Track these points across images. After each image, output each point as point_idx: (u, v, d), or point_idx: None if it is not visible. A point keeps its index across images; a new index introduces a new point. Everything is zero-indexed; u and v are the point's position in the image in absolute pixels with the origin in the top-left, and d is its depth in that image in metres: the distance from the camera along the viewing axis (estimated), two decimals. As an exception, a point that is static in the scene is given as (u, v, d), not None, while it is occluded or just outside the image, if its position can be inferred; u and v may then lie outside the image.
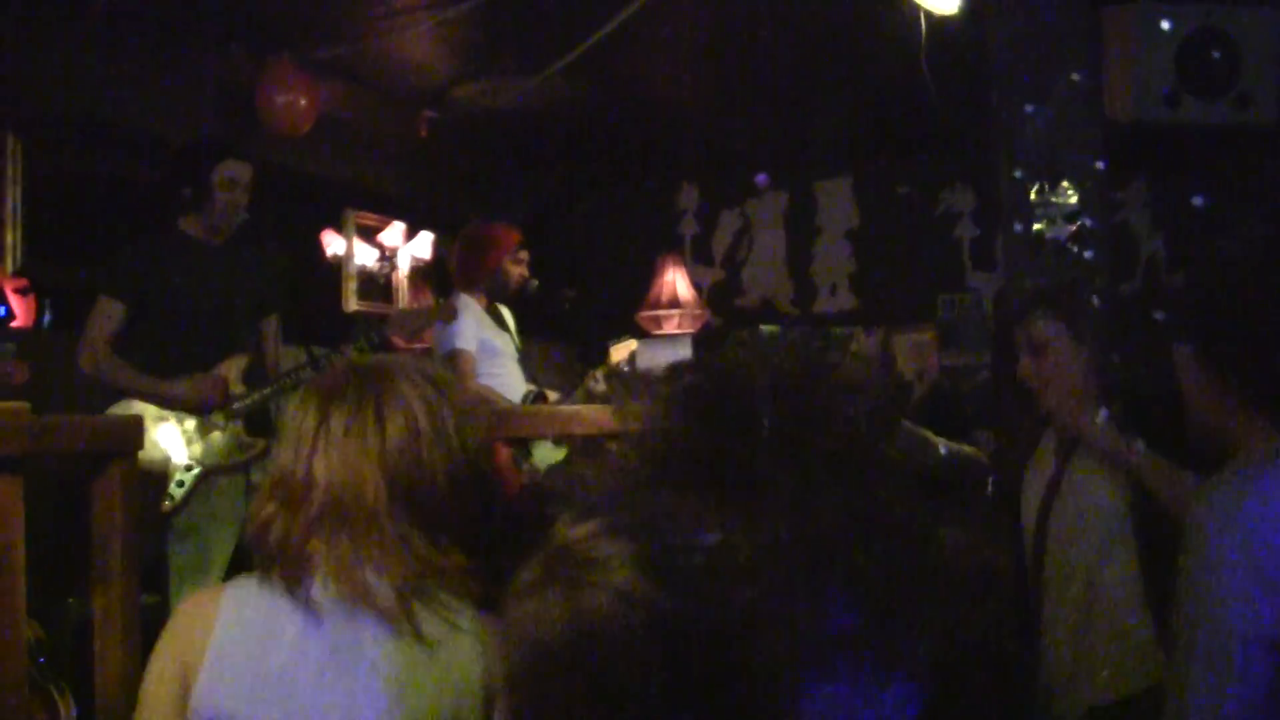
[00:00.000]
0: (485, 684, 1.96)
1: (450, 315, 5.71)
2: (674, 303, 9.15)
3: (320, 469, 1.95)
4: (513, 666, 1.01)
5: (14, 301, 7.51)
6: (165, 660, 2.01)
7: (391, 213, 8.89)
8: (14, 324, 7.40)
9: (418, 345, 8.54)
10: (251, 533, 2.01)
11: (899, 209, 9.43)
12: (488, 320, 5.95)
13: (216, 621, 1.96)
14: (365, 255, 8.75)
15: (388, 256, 8.87)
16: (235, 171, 4.84)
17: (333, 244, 8.64)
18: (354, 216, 8.74)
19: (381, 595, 1.92)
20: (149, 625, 3.51)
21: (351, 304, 8.65)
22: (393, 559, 1.94)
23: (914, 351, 8.86)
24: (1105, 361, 3.35)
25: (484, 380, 5.81)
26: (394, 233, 8.85)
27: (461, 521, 2.01)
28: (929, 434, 4.44)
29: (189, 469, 4.67)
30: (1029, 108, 5.05)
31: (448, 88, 7.86)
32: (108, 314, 4.74)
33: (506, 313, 6.16)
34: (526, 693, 0.99)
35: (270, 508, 1.98)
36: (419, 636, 1.92)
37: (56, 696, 4.91)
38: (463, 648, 1.96)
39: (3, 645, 2.12)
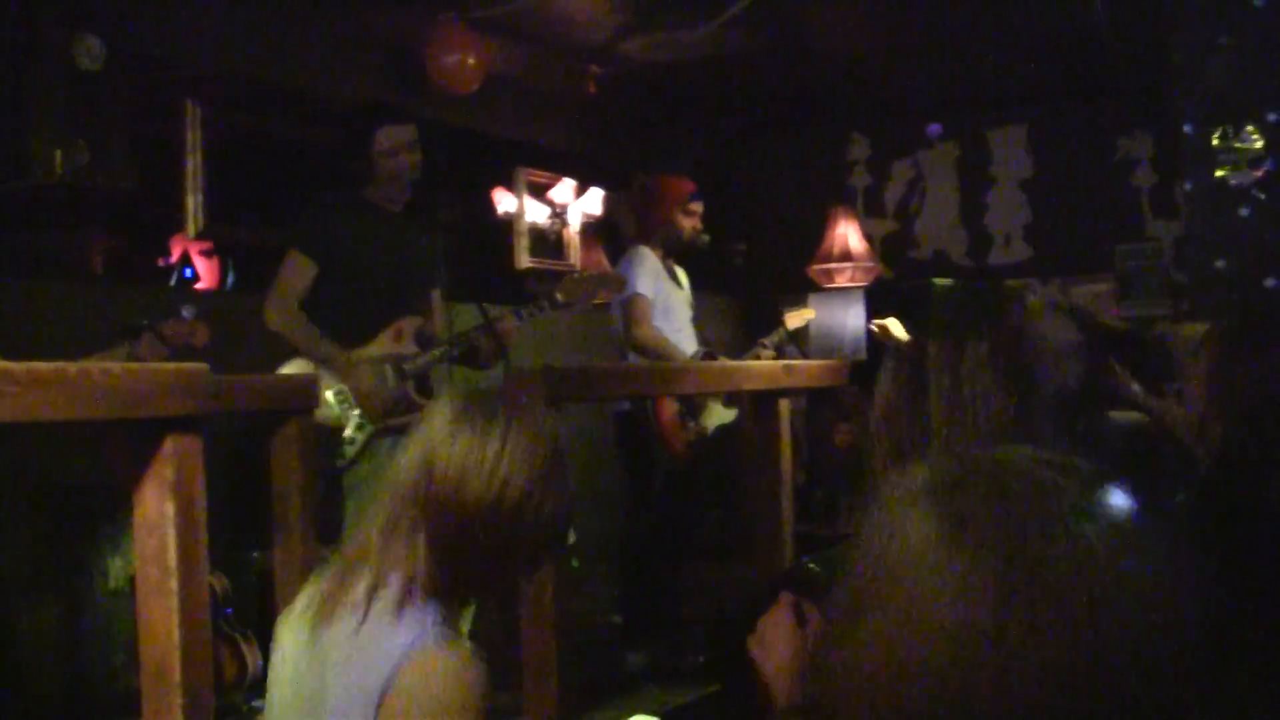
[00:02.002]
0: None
1: (620, 287, 5.71)
2: (845, 256, 9.06)
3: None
4: None
5: (199, 264, 7.72)
6: None
7: (561, 169, 8.93)
8: (198, 286, 7.61)
9: (591, 303, 8.60)
10: None
11: (1074, 157, 9.20)
12: (664, 274, 5.95)
13: None
14: (536, 212, 8.80)
15: (558, 213, 8.91)
16: (395, 136, 4.87)
17: (504, 202, 8.71)
18: (524, 174, 8.79)
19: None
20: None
21: (523, 261, 8.71)
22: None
23: (1092, 303, 8.66)
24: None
25: (657, 335, 5.81)
26: (564, 189, 8.88)
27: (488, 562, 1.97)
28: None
29: (360, 427, 4.74)
30: (1211, 46, 4.88)
31: (615, 42, 7.84)
32: (298, 269, 4.80)
33: (681, 271, 6.14)
34: None
35: None
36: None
37: (243, 645, 5.05)
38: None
39: (188, 597, 2.18)
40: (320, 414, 4.53)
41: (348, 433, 4.72)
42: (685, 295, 6.09)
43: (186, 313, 4.31)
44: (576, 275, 5.75)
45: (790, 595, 1.93)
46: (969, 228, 9.64)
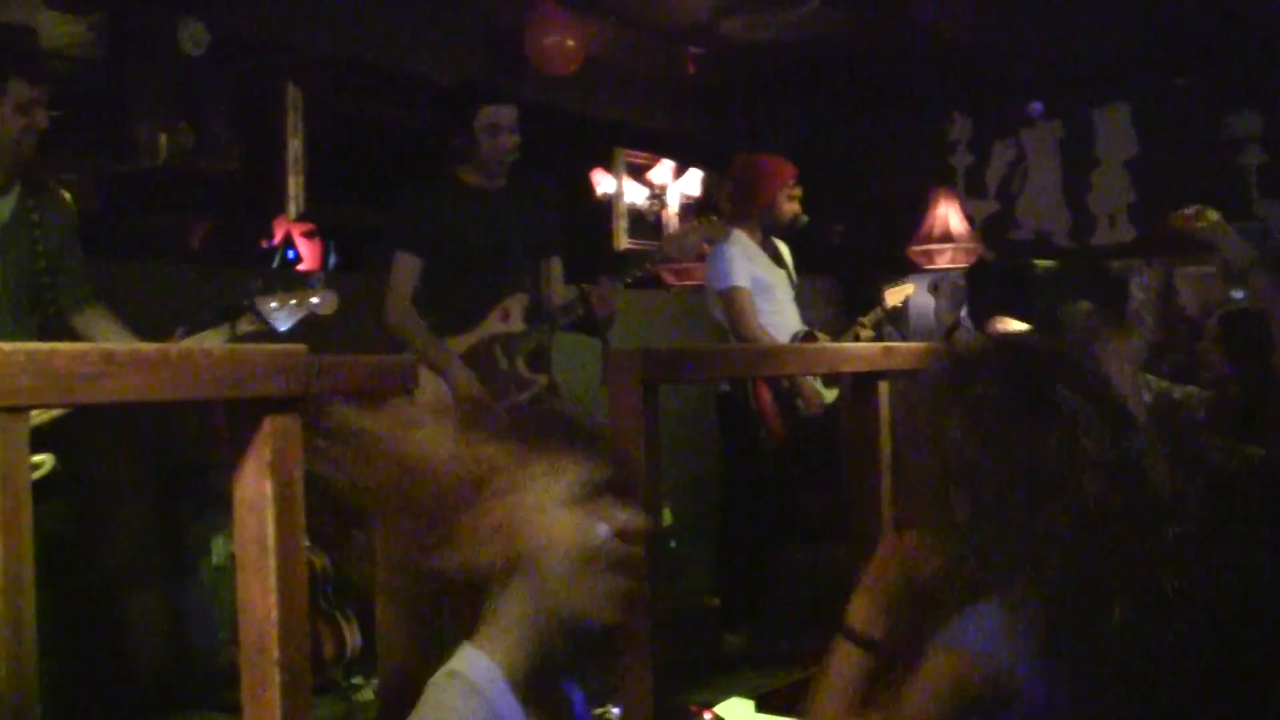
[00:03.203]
0: None
1: (723, 233, 5.67)
2: (946, 237, 8.96)
3: None
4: None
5: (301, 245, 7.79)
6: None
7: (660, 150, 8.92)
8: (301, 267, 7.68)
9: (689, 283, 8.58)
10: None
11: (1180, 135, 9.03)
12: (761, 255, 5.90)
13: None
14: (635, 193, 8.80)
15: (657, 194, 8.90)
16: (496, 115, 4.87)
17: (603, 183, 8.72)
18: (623, 155, 8.79)
19: None
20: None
21: (622, 243, 8.71)
22: None
23: (1198, 285, 8.49)
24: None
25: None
26: (663, 170, 8.87)
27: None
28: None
29: None
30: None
31: (714, 22, 7.81)
32: (406, 268, 4.84)
33: (783, 248, 6.09)
34: None
35: None
36: None
37: (342, 623, 5.11)
38: None
39: (286, 575, 2.20)
40: (428, 391, 4.56)
41: None
42: (786, 274, 6.04)
43: (314, 280, 4.34)
44: (671, 234, 5.72)
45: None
46: (1072, 208, 9.50)
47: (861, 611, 2.16)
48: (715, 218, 5.90)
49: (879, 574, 2.17)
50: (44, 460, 3.88)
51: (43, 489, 3.89)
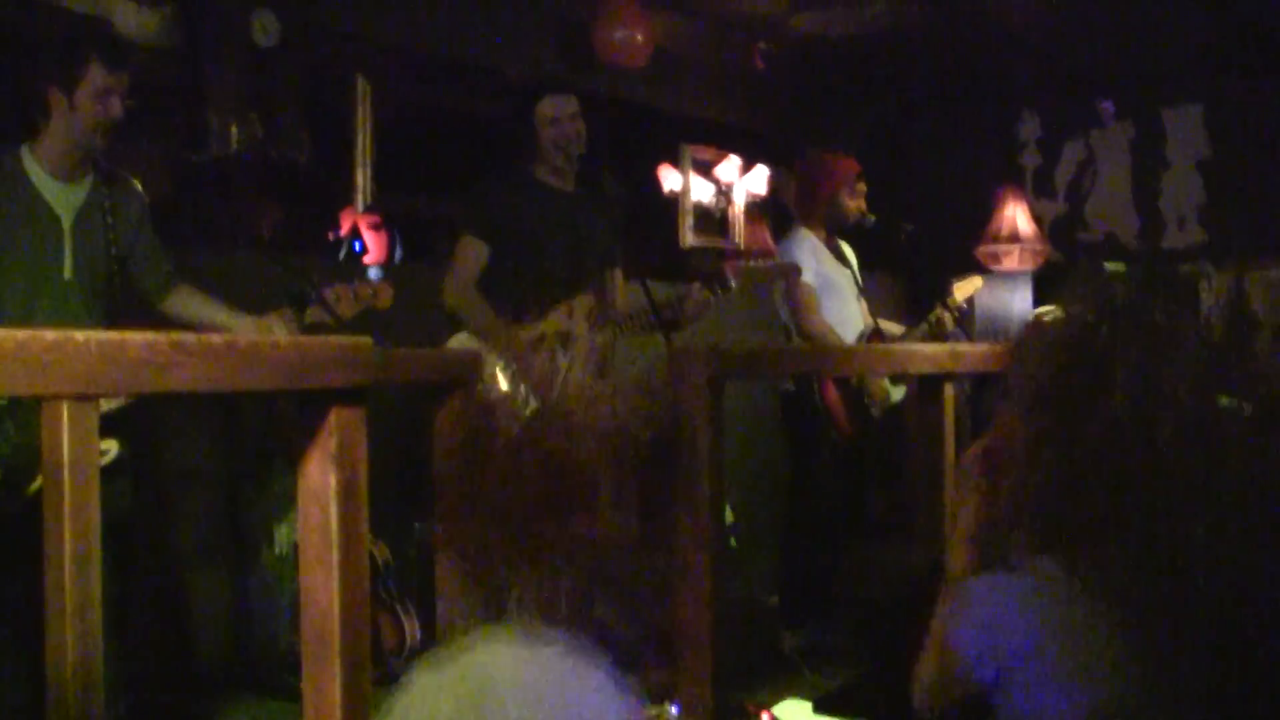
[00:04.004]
0: None
1: (792, 274, 5.66)
2: (1014, 237, 8.90)
3: None
4: None
5: (368, 236, 7.83)
6: None
7: (728, 146, 8.89)
8: (367, 259, 7.72)
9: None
10: None
11: (1253, 137, 8.92)
12: (826, 254, 5.88)
13: None
14: (701, 190, 8.77)
15: (724, 191, 8.87)
16: (556, 106, 4.89)
17: (669, 179, 8.70)
18: (690, 151, 8.77)
19: None
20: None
21: (688, 239, 8.69)
22: None
23: (1269, 289, 8.39)
24: None
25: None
26: (730, 167, 8.84)
27: None
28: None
29: (527, 404, 4.76)
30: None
31: (784, 17, 7.79)
32: (472, 252, 4.88)
33: (847, 248, 6.07)
34: None
35: None
36: None
37: (403, 615, 5.13)
38: None
39: (349, 567, 2.21)
40: (491, 390, 4.57)
41: (527, 411, 4.74)
42: (850, 272, 6.01)
43: (373, 274, 4.38)
44: (750, 265, 5.71)
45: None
46: (1141, 210, 9.41)
47: (959, 560, 2.19)
48: (789, 262, 5.83)
49: (969, 522, 2.19)
50: (111, 446, 3.93)
51: (109, 473, 3.95)
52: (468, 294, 4.83)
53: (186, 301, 4.29)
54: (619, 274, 5.15)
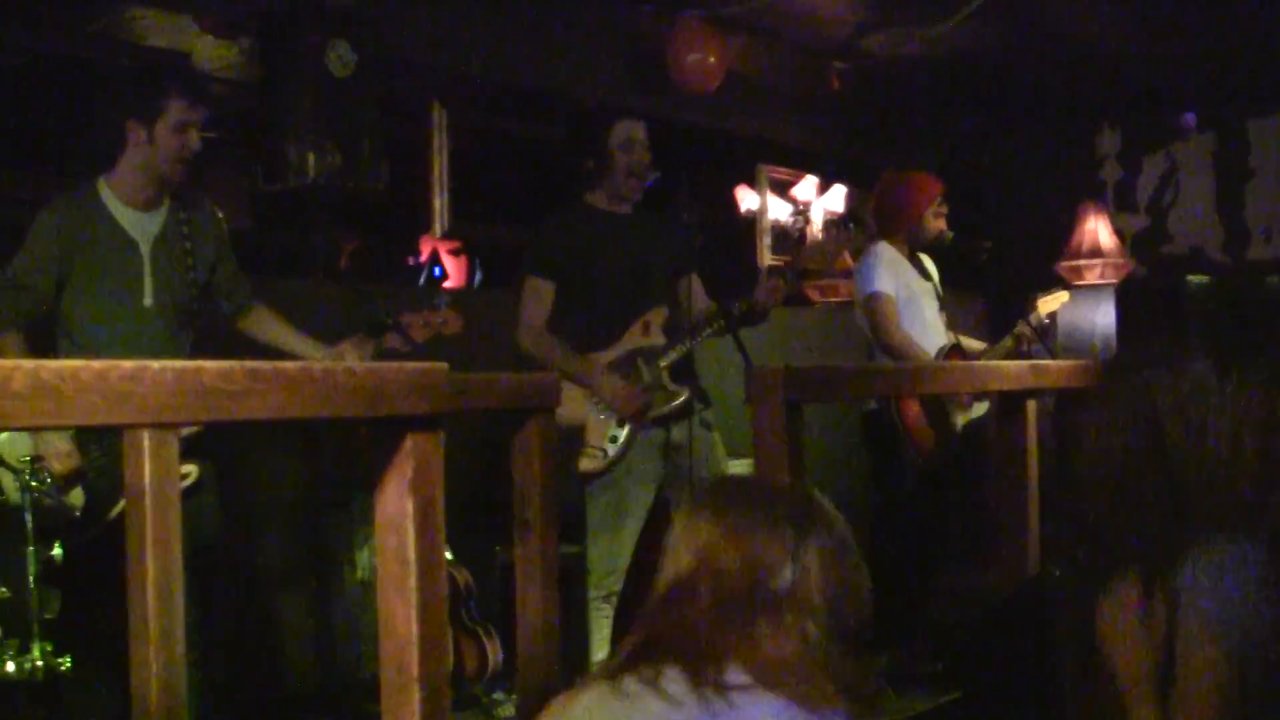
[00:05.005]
0: None
1: (861, 242, 5.64)
2: (1095, 252, 8.80)
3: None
4: None
5: (448, 262, 7.88)
6: None
7: (804, 166, 8.87)
8: (447, 284, 7.77)
9: (834, 299, 8.53)
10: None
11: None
12: (907, 267, 5.83)
13: None
14: (779, 210, 8.76)
15: (801, 210, 8.86)
16: (628, 132, 4.89)
17: (746, 199, 8.69)
18: (766, 171, 8.76)
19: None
20: (567, 575, 3.62)
21: (766, 259, 8.68)
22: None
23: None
24: None
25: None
26: (807, 186, 8.83)
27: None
28: None
29: (621, 424, 4.77)
30: None
31: (858, 37, 7.76)
32: (538, 294, 4.88)
33: (929, 262, 6.02)
34: None
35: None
36: None
37: (484, 638, 5.13)
38: None
39: (427, 592, 2.21)
40: (571, 416, 4.59)
41: (609, 431, 4.76)
42: (931, 286, 5.96)
43: (441, 302, 4.41)
44: (812, 243, 5.68)
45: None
46: (1226, 222, 9.29)
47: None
48: (853, 224, 5.84)
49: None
50: (190, 470, 3.97)
51: (189, 496, 3.99)
52: (542, 336, 4.83)
53: (263, 322, 4.36)
54: (696, 279, 5.12)
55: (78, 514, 3.92)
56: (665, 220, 5.04)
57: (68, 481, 3.91)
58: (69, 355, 3.97)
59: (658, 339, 4.88)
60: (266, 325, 4.36)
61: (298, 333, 4.34)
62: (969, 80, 8.56)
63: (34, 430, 3.65)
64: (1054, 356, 6.35)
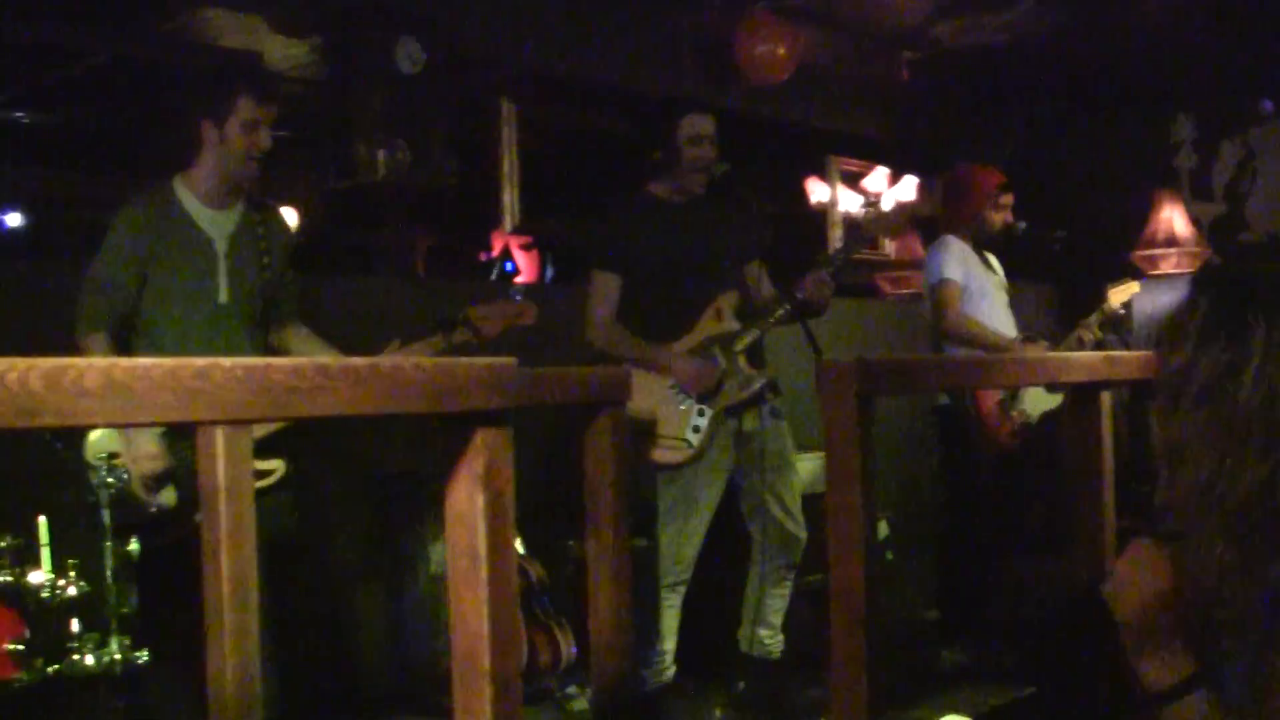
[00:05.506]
0: None
1: (927, 209, 5.61)
2: (1171, 241, 8.69)
3: None
4: None
5: (519, 257, 7.91)
6: None
7: (874, 157, 8.83)
8: (518, 279, 7.80)
9: (905, 291, 8.48)
10: None
11: None
12: (975, 260, 5.81)
13: None
14: (849, 201, 8.73)
15: (872, 202, 8.81)
16: (697, 126, 4.87)
17: (816, 191, 8.66)
18: (837, 163, 8.73)
19: None
20: (638, 569, 3.62)
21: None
22: None
23: None
24: None
25: (972, 322, 5.67)
26: (878, 178, 8.78)
27: None
28: None
29: (701, 413, 4.77)
30: None
31: (927, 26, 7.72)
32: (605, 288, 4.88)
33: (993, 259, 5.99)
34: None
35: None
36: None
37: (558, 633, 5.15)
38: None
39: (497, 587, 2.21)
40: (644, 408, 4.59)
41: (690, 421, 4.75)
42: (998, 280, 5.93)
43: (514, 293, 4.42)
44: (877, 212, 5.65)
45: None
46: (1305, 209, 9.15)
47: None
48: (918, 199, 5.80)
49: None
50: (278, 465, 4.01)
51: (276, 491, 4.04)
52: (612, 330, 4.83)
53: (300, 338, 4.36)
54: (760, 264, 5.10)
55: (154, 510, 3.96)
56: (730, 205, 5.01)
57: (156, 483, 3.95)
58: (144, 353, 4.00)
59: (730, 324, 4.87)
60: (299, 339, 4.35)
61: (332, 350, 4.33)
62: (1041, 68, 8.48)
63: (108, 427, 3.69)
64: (1129, 348, 6.28)
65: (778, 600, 4.93)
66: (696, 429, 4.75)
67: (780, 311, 4.86)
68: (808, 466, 5.62)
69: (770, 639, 4.94)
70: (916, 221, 5.85)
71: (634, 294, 4.86)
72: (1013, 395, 5.67)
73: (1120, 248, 8.73)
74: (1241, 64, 8.54)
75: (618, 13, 6.77)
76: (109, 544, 3.72)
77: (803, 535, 4.90)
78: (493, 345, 4.16)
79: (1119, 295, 6.15)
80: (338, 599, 5.36)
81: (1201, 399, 1.88)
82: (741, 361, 4.85)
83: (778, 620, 4.95)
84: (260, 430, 3.74)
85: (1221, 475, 1.81)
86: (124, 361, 1.67)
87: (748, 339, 4.86)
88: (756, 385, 4.83)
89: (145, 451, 3.91)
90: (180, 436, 3.90)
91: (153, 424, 3.61)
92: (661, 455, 4.75)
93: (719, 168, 4.88)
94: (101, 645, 3.70)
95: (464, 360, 2.19)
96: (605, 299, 4.86)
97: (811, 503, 4.96)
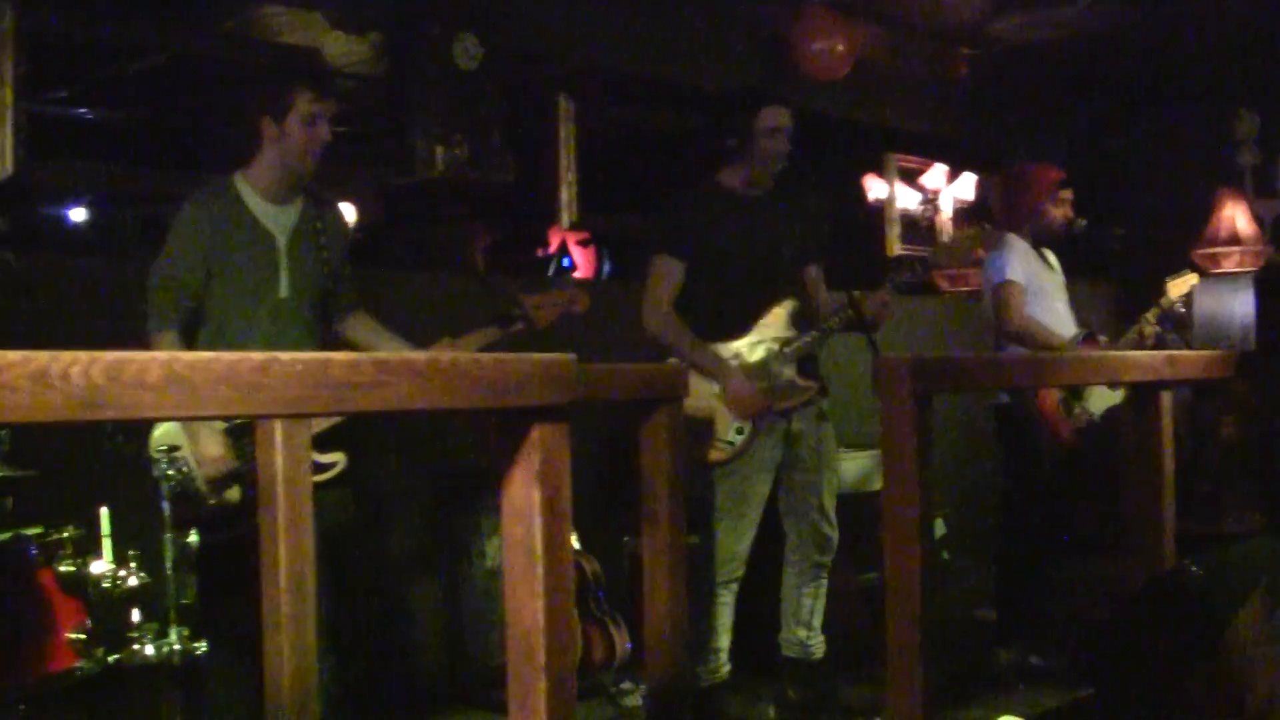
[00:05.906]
0: None
1: (993, 241, 5.57)
2: (1233, 239, 8.60)
3: None
4: None
5: (576, 253, 7.93)
6: None
7: (933, 154, 8.78)
8: (576, 275, 7.82)
9: (963, 288, 8.44)
10: None
11: None
12: (1035, 258, 5.77)
13: None
14: (907, 198, 8.69)
15: (930, 199, 8.77)
16: (776, 118, 4.84)
17: (874, 188, 8.63)
18: (895, 160, 8.69)
19: None
20: (690, 566, 3.62)
21: (895, 248, 8.61)
22: None
23: None
24: None
25: (1034, 319, 5.63)
26: (936, 175, 8.74)
27: None
28: None
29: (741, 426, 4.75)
30: None
31: (985, 22, 7.67)
32: (668, 272, 4.83)
33: (1051, 256, 5.95)
34: None
35: None
36: None
37: (612, 628, 5.16)
38: None
39: (553, 582, 2.22)
40: (699, 407, 4.58)
41: (735, 422, 4.74)
42: (1058, 279, 5.89)
43: (564, 283, 4.43)
44: (943, 243, 5.63)
45: None
46: (1371, 206, 9.03)
47: None
48: (988, 225, 5.78)
49: None
50: (339, 458, 4.04)
51: (337, 484, 4.06)
52: (669, 319, 4.78)
53: (364, 327, 4.37)
54: (818, 270, 5.07)
55: (211, 503, 3.99)
56: (797, 206, 4.98)
57: (221, 483, 3.98)
58: (207, 348, 4.03)
59: (789, 330, 4.84)
60: (366, 329, 4.37)
61: (396, 338, 4.34)
62: (1100, 64, 8.42)
63: (169, 420, 3.72)
64: (1189, 347, 6.23)
65: (812, 600, 4.91)
66: (740, 430, 4.74)
67: (836, 321, 4.83)
68: (857, 464, 5.59)
69: (811, 640, 4.92)
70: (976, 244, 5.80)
71: (695, 285, 4.82)
72: (1076, 393, 5.63)
73: (1181, 245, 8.65)
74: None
75: (675, 8, 6.77)
76: (169, 535, 3.75)
77: (835, 535, 4.88)
78: (549, 339, 4.16)
79: (1178, 287, 6.08)
80: (394, 592, 5.39)
81: None
82: (793, 370, 4.82)
83: (818, 622, 4.93)
84: (320, 424, 3.76)
85: None
86: (185, 356, 1.69)
87: (803, 347, 4.83)
88: (807, 396, 4.82)
89: (211, 454, 3.94)
90: (246, 435, 3.92)
91: (213, 418, 3.64)
92: (705, 454, 4.74)
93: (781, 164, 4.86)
94: (161, 635, 3.73)
95: (522, 356, 2.19)
96: (667, 284, 4.80)
97: (862, 501, 4.94)
